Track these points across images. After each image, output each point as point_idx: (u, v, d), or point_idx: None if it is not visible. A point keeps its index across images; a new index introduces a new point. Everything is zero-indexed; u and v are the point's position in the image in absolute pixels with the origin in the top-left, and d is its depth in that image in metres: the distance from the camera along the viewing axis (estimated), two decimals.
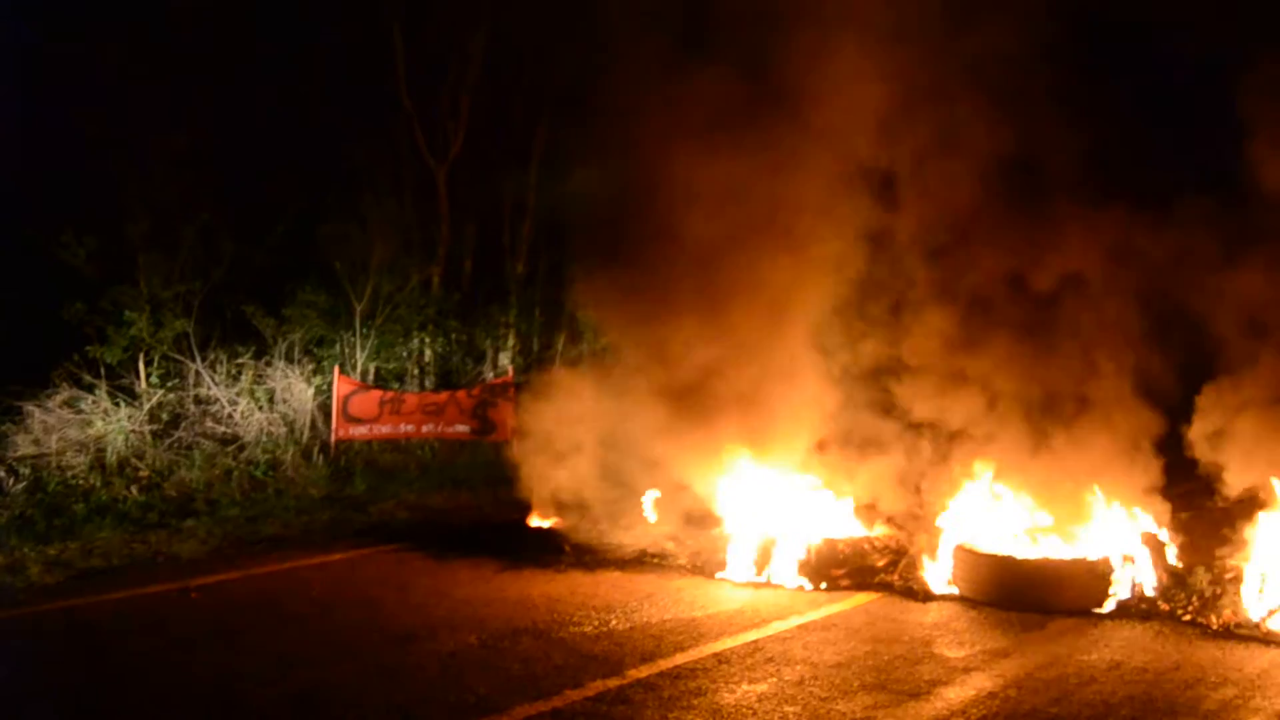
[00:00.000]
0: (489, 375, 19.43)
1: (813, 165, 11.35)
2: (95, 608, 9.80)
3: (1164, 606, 9.58)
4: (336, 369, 17.23)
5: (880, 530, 11.33)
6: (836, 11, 11.28)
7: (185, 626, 9.29)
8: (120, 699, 7.56)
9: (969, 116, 10.87)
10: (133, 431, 15.58)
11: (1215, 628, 9.09)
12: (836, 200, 11.46)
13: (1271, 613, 9.05)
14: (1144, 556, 9.98)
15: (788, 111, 11.35)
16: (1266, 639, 8.80)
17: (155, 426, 16.11)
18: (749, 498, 11.44)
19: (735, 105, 11.53)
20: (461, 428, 17.67)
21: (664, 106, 11.70)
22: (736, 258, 11.64)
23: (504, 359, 19.98)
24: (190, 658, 8.41)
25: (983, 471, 10.86)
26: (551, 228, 21.12)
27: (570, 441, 12.73)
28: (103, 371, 15.99)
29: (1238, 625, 9.06)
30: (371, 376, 18.49)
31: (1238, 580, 9.46)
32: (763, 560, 10.78)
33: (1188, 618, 9.34)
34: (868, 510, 11.55)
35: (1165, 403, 10.71)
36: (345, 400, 17.00)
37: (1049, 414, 10.89)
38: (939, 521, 10.74)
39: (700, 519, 11.74)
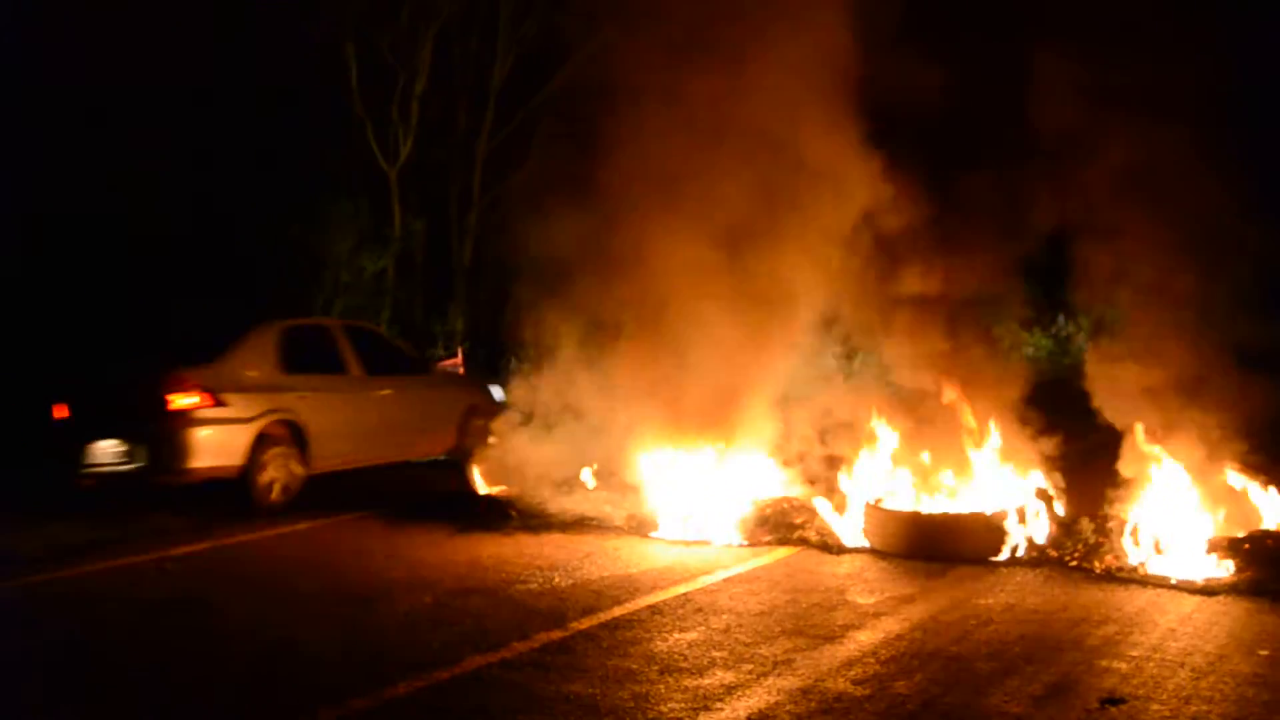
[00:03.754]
0: (440, 356, 19.31)
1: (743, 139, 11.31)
2: (74, 580, 9.67)
3: (1053, 554, 9.67)
4: None
5: (799, 490, 11.37)
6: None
7: (161, 595, 9.19)
8: (99, 662, 7.48)
9: None
10: None
11: (1098, 572, 9.19)
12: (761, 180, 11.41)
13: (1143, 563, 9.18)
14: (1035, 509, 10.07)
15: (738, 93, 11.30)
16: (1144, 581, 8.90)
17: None
18: (679, 463, 11.46)
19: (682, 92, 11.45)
20: None
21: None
22: (670, 238, 11.59)
23: (454, 342, 19.89)
24: (165, 623, 8.32)
25: (891, 433, 10.92)
26: (497, 220, 21.10)
27: (515, 415, 12.71)
28: None
29: (1118, 569, 9.17)
30: None
31: (1118, 529, 9.56)
32: (691, 520, 10.81)
33: (1074, 563, 9.44)
34: (787, 471, 11.61)
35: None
36: None
37: (948, 380, 10.94)
38: (851, 480, 10.79)
39: (635, 485, 11.72)
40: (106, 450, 11.96)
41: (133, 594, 9.26)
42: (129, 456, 11.90)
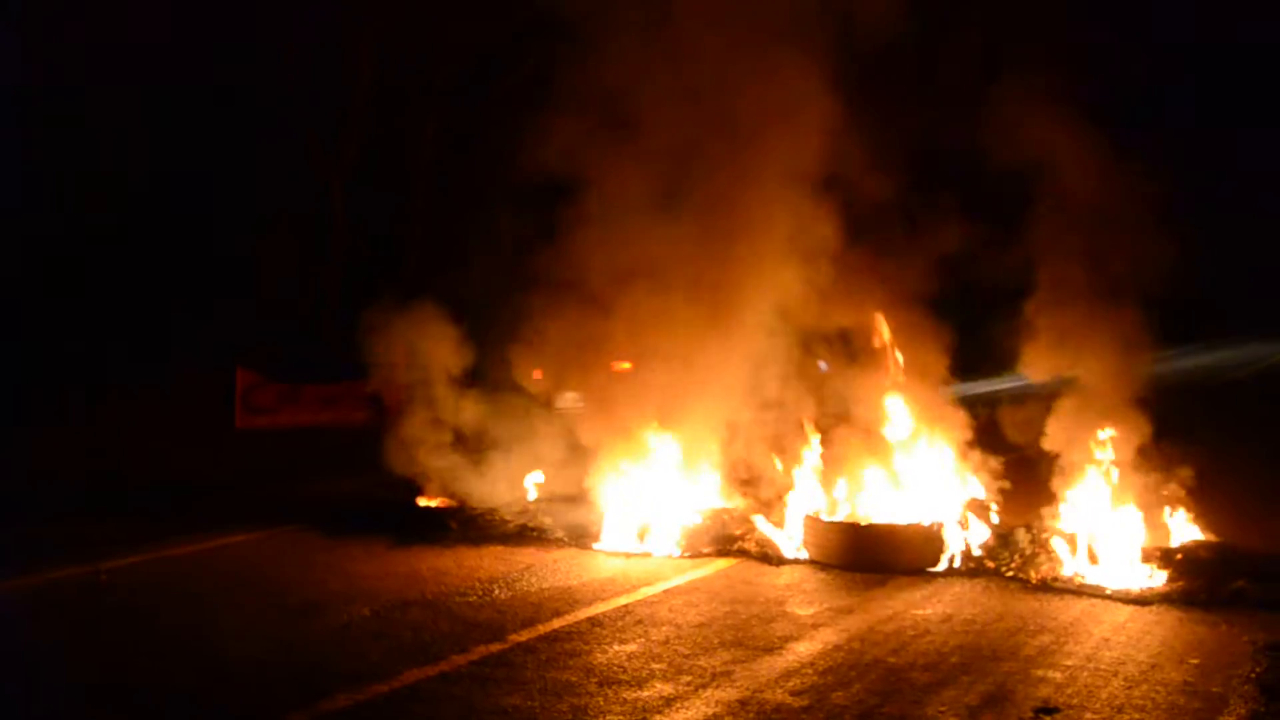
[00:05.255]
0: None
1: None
2: (7, 592, 9.50)
3: (990, 564, 9.76)
4: (237, 364, 16.95)
5: (739, 502, 11.39)
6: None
7: (95, 607, 9.02)
8: (26, 677, 7.35)
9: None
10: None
11: (1034, 582, 9.29)
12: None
13: (1078, 573, 9.28)
14: (972, 520, 10.15)
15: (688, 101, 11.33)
16: (1079, 591, 9.01)
17: None
18: (620, 475, 11.44)
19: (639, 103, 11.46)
20: (357, 416, 17.47)
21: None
22: (619, 250, 11.61)
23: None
24: (99, 636, 8.18)
25: (831, 446, 10.97)
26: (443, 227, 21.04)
27: (457, 426, 12.65)
28: None
29: (1053, 579, 9.27)
30: (273, 369, 18.15)
31: (1054, 539, 9.66)
32: (632, 532, 10.80)
33: (1010, 574, 9.53)
34: (727, 484, 11.62)
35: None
36: (246, 392, 16.75)
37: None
38: (791, 492, 10.82)
39: (577, 496, 11.70)
40: (569, 398, 15.16)
41: (66, 606, 9.09)
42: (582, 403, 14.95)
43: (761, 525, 10.63)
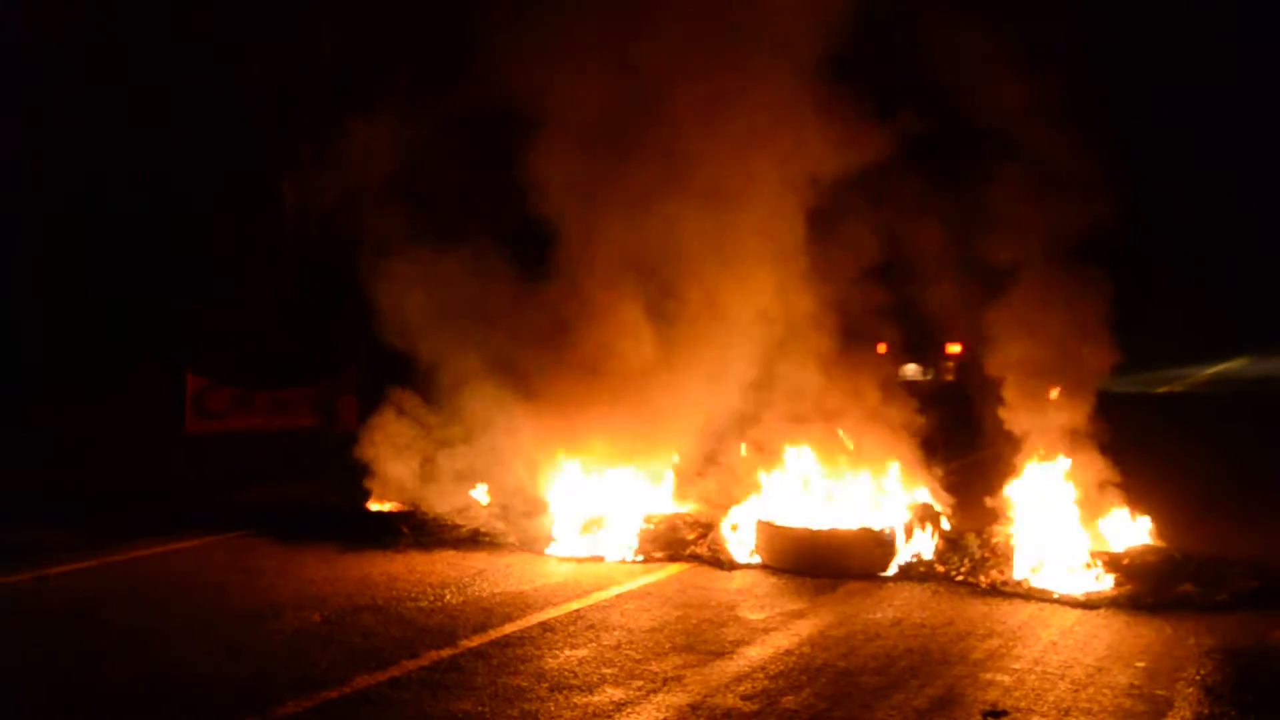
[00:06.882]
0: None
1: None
2: None
3: (940, 569, 9.82)
4: (188, 368, 16.80)
5: (691, 507, 11.41)
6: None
7: (41, 612, 8.91)
8: None
9: None
10: None
11: (984, 587, 9.36)
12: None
13: (1027, 578, 9.35)
14: (922, 525, 10.21)
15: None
16: (1027, 595, 9.08)
17: None
18: (573, 480, 11.43)
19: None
20: (308, 421, 17.37)
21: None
22: (579, 257, 11.63)
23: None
24: (45, 642, 8.07)
25: (782, 451, 11.00)
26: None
27: (409, 431, 12.57)
28: None
29: (1003, 584, 9.34)
30: (224, 373, 18.00)
31: (1003, 544, 9.74)
32: (585, 537, 10.79)
33: (960, 578, 9.60)
34: (680, 489, 11.64)
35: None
36: (197, 396, 16.60)
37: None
38: (743, 497, 10.85)
39: (529, 501, 11.68)
40: (912, 370, 18.18)
41: (11, 611, 8.97)
42: (924, 374, 18.43)
43: (714, 529, 10.63)
